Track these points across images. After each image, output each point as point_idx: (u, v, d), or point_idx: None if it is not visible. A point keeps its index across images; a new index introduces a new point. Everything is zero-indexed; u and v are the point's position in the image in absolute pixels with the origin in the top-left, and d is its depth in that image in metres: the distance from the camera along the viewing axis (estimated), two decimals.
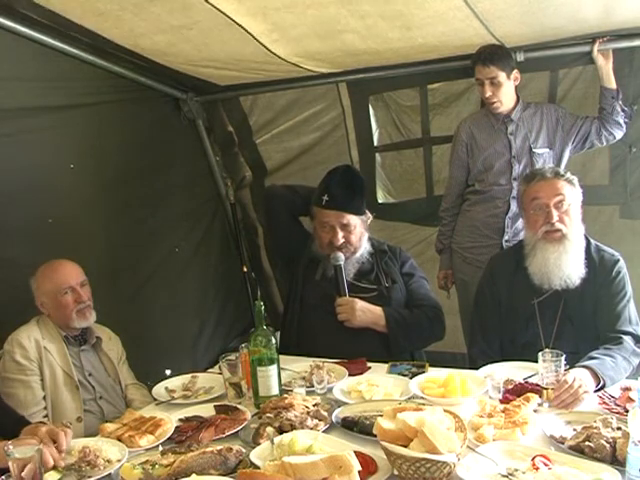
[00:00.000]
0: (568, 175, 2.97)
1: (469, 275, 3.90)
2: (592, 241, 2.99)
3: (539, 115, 3.83)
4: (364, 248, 3.25)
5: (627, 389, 2.46)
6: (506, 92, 3.72)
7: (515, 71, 3.72)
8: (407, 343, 3.17)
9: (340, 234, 3.14)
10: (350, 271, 3.21)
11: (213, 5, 3.20)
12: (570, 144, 3.81)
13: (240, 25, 3.45)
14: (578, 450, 2.03)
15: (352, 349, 3.02)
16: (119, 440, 2.31)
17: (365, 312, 3.08)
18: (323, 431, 2.27)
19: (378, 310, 3.13)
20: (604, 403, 2.40)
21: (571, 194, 2.91)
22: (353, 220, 3.17)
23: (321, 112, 4.80)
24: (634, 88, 3.93)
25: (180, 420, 2.49)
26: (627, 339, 2.72)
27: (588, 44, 3.83)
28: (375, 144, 4.76)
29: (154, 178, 4.49)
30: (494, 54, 3.65)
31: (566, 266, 2.87)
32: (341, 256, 3.14)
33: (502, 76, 3.66)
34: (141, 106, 4.40)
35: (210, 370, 3.07)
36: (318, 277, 3.27)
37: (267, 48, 3.77)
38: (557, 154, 3.83)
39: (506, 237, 3.81)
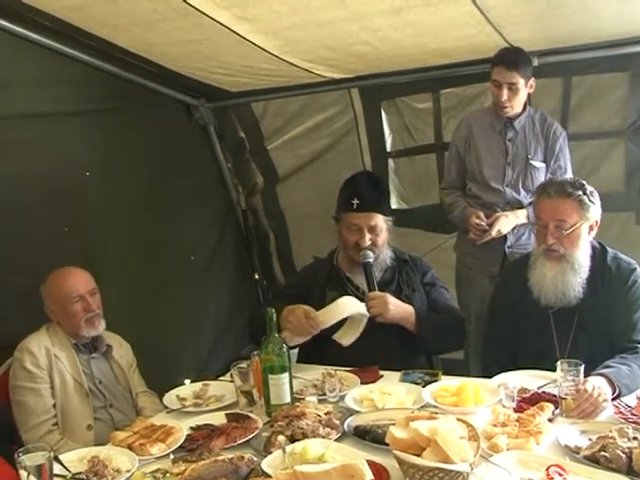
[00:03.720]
0: (579, 193, 2.78)
1: (471, 279, 3.90)
2: (609, 249, 2.93)
3: (540, 128, 3.76)
4: (386, 254, 3.25)
5: None
6: (520, 99, 3.67)
7: (532, 79, 3.65)
8: (434, 342, 3.16)
9: (367, 236, 3.15)
10: (376, 277, 3.20)
11: (225, 26, 3.26)
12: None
13: (251, 42, 3.50)
14: (593, 460, 1.99)
15: (375, 355, 3.00)
16: (130, 448, 2.29)
17: (397, 307, 3.06)
18: (335, 440, 2.25)
19: (409, 307, 3.13)
20: (620, 412, 2.36)
21: (578, 215, 2.78)
22: (380, 222, 3.18)
23: (333, 118, 4.80)
24: None
25: (191, 428, 2.47)
26: None
27: (602, 49, 3.82)
28: (388, 150, 4.76)
29: (167, 185, 4.52)
30: (518, 60, 3.57)
31: (563, 285, 2.81)
32: (370, 254, 3.14)
33: (521, 83, 3.59)
34: (153, 112, 4.42)
35: (221, 378, 3.06)
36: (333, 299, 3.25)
37: (278, 57, 3.78)
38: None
39: (508, 243, 3.76)
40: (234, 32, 3.35)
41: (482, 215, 3.69)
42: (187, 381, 3.00)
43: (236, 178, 5.23)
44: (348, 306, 2.99)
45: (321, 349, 3.06)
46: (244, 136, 5.10)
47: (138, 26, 3.31)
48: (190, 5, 3.00)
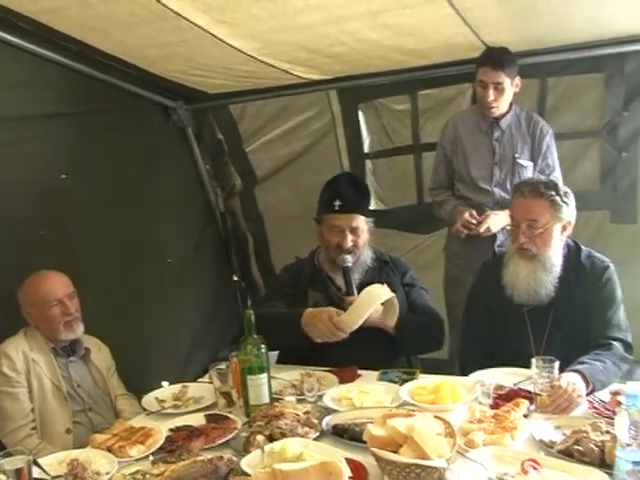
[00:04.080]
0: (552, 194, 2.80)
1: (461, 280, 3.87)
2: (583, 248, 2.97)
3: (527, 126, 3.79)
4: (367, 254, 3.26)
5: (616, 393, 2.46)
6: (506, 98, 3.68)
7: (517, 78, 3.67)
8: (413, 344, 3.18)
9: (349, 237, 3.15)
10: (355, 279, 3.21)
11: (204, 29, 3.27)
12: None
13: (230, 44, 3.51)
14: (567, 454, 2.03)
15: (356, 356, 3.01)
16: (109, 451, 2.29)
17: (377, 310, 3.06)
18: (314, 439, 2.26)
19: None
20: (594, 407, 2.41)
21: (550, 215, 2.80)
22: (362, 224, 3.19)
23: (311, 119, 4.82)
24: (625, 95, 3.97)
25: (170, 430, 2.47)
26: (617, 345, 2.72)
27: (578, 51, 3.87)
28: (366, 151, 4.78)
29: (145, 187, 4.50)
30: (504, 59, 3.58)
31: (535, 284, 2.85)
32: (349, 258, 3.15)
33: (507, 82, 3.60)
34: (131, 114, 4.40)
35: (200, 380, 3.06)
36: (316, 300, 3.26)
37: (257, 59, 3.79)
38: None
39: (498, 242, 3.78)
40: (213, 35, 3.36)
41: (475, 213, 3.72)
42: (165, 383, 3.01)
43: (214, 180, 5.23)
44: (370, 300, 2.94)
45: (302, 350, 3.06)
46: (222, 138, 5.10)
47: (116, 29, 3.30)
48: (168, 8, 3.00)
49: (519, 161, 3.76)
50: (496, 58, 3.59)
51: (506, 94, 3.65)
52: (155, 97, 4.63)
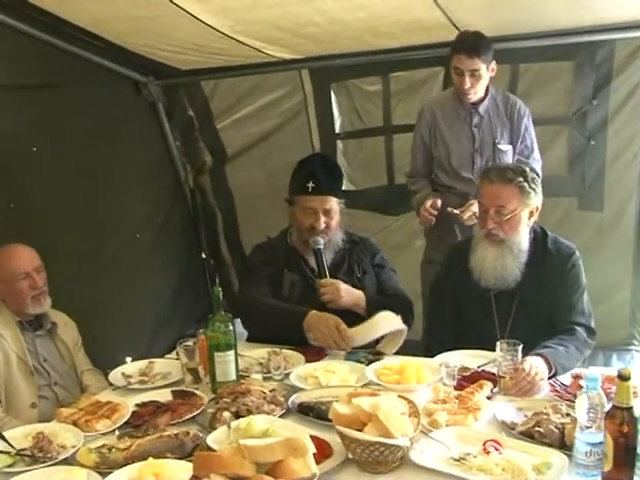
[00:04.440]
0: (520, 180, 2.83)
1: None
2: (549, 233, 3.00)
3: (504, 109, 3.76)
4: (339, 235, 3.26)
5: (578, 377, 2.51)
6: (483, 84, 3.64)
7: (493, 62, 3.61)
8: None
9: (322, 219, 3.14)
10: (328, 260, 3.22)
11: (177, 4, 3.24)
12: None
13: (203, 21, 3.48)
14: (528, 435, 2.07)
15: None
16: (75, 425, 2.28)
17: (348, 293, 3.08)
18: (280, 416, 2.28)
19: (359, 292, 3.14)
20: (555, 390, 2.46)
21: (518, 201, 2.83)
22: (335, 205, 3.18)
23: (283, 98, 4.81)
24: (595, 84, 4.02)
25: (137, 405, 2.47)
26: (580, 330, 2.77)
27: (549, 38, 3.91)
28: (337, 131, 4.78)
29: (114, 162, 4.46)
30: (479, 45, 3.52)
31: (502, 268, 2.87)
32: (320, 240, 3.14)
33: (483, 68, 3.55)
34: (100, 88, 4.34)
35: (168, 356, 3.06)
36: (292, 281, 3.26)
37: (229, 36, 3.77)
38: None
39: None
40: (186, 11, 3.33)
41: (438, 203, 3.70)
42: (128, 359, 2.99)
43: (184, 157, 5.20)
44: (381, 325, 2.92)
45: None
46: (193, 114, 5.07)
47: (89, 1, 3.25)
48: None
49: (499, 146, 3.73)
50: (471, 45, 3.52)
51: (483, 80, 3.61)
52: (126, 71, 4.58)
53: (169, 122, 5.05)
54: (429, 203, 3.72)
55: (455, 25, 3.70)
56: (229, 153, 5.08)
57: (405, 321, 3.22)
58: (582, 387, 2.31)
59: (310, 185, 3.13)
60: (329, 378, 2.59)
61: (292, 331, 2.92)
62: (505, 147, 3.75)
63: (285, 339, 2.97)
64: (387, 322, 2.93)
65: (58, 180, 3.96)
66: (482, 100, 3.74)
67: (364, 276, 3.26)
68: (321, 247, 3.15)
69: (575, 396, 2.32)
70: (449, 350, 2.81)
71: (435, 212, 3.71)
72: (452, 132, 3.81)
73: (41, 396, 3.00)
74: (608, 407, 1.82)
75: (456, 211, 3.62)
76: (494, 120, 3.75)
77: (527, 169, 2.95)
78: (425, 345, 3.22)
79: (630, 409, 1.78)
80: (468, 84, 3.59)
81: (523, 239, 2.91)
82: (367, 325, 2.90)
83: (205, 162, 5.20)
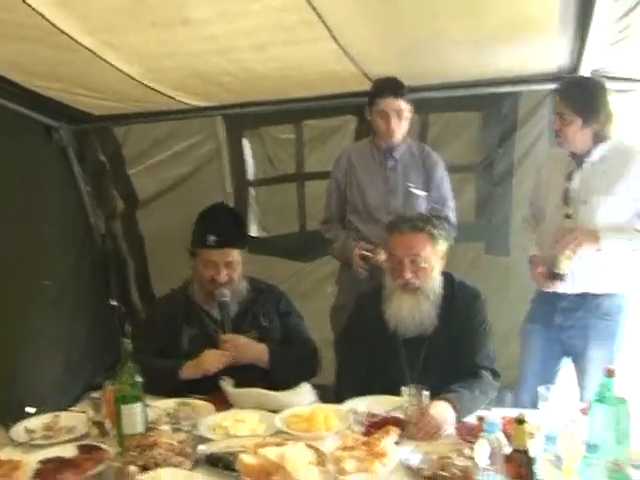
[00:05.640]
0: (429, 227, 2.92)
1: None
2: (456, 278, 3.07)
3: (419, 157, 3.81)
4: (242, 285, 3.24)
5: (482, 419, 2.57)
6: (405, 126, 3.70)
7: (410, 107, 3.68)
8: (288, 377, 3.11)
9: (224, 272, 3.11)
10: (232, 311, 3.20)
11: (91, 50, 3.24)
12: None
13: (118, 68, 3.50)
14: (433, 479, 2.12)
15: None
16: None
17: (248, 348, 3.06)
18: (189, 468, 2.26)
19: (260, 346, 3.11)
20: (460, 434, 2.51)
21: (430, 248, 2.92)
22: (236, 256, 3.15)
23: (197, 145, 4.83)
24: (501, 133, 4.20)
25: (40, 462, 2.39)
26: (485, 373, 2.84)
27: (457, 89, 4.07)
28: (249, 178, 4.81)
29: (23, 207, 4.35)
30: (403, 87, 3.59)
31: (420, 315, 2.92)
32: (227, 292, 3.11)
33: (407, 109, 3.63)
34: (9, 133, 4.25)
35: (73, 408, 2.97)
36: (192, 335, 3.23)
37: (143, 84, 3.78)
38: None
39: None
40: (100, 57, 3.33)
41: (364, 244, 3.68)
42: (30, 409, 2.89)
43: (95, 202, 5.13)
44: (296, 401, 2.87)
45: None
46: (105, 160, 5.02)
47: (5, 45, 3.20)
48: (57, 28, 2.95)
49: (413, 191, 3.76)
50: (397, 86, 3.60)
51: (406, 122, 3.68)
52: (38, 117, 4.52)
53: (81, 167, 4.98)
54: (356, 251, 3.69)
55: (367, 76, 3.82)
56: (141, 199, 5.04)
57: (310, 369, 3.23)
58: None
59: (212, 239, 3.09)
60: (238, 428, 2.58)
61: (172, 385, 2.94)
62: (419, 192, 3.78)
63: (170, 393, 2.95)
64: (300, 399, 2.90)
65: None
66: (397, 146, 3.78)
67: (270, 325, 3.24)
68: (227, 299, 3.12)
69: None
70: (360, 395, 2.84)
71: (367, 253, 3.66)
72: (367, 174, 3.83)
73: None
74: (509, 450, 1.88)
75: (368, 253, 3.64)
76: (408, 166, 3.79)
77: (432, 216, 3.04)
78: (335, 390, 3.21)
79: (527, 452, 1.86)
80: (395, 124, 3.64)
81: (437, 284, 2.97)
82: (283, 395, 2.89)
83: (116, 207, 5.14)
